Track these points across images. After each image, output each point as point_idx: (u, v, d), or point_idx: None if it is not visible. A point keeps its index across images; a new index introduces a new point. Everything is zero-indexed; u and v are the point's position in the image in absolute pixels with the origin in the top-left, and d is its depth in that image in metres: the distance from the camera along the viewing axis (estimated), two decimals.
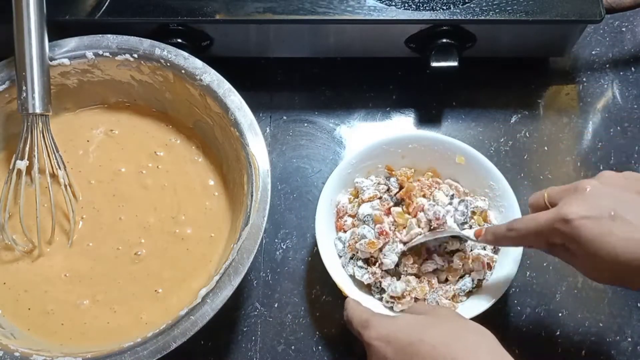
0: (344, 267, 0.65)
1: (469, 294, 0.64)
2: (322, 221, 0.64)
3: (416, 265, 0.63)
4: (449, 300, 0.63)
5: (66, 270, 0.62)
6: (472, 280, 0.63)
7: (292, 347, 0.65)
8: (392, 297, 0.62)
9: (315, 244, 0.68)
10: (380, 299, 0.63)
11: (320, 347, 0.65)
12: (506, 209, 0.66)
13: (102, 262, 0.62)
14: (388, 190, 0.67)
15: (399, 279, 0.63)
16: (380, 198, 0.66)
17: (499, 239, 0.58)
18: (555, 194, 0.54)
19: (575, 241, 0.50)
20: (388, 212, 0.65)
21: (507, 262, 0.63)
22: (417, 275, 0.63)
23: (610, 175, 0.53)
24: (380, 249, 0.63)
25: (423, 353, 0.49)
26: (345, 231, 0.66)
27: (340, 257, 0.65)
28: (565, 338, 0.65)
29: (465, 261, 0.63)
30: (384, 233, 0.63)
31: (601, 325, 0.66)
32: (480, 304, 0.61)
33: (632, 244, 0.48)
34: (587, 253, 0.50)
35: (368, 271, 0.63)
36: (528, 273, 0.68)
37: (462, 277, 0.64)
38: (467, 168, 0.67)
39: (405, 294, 0.61)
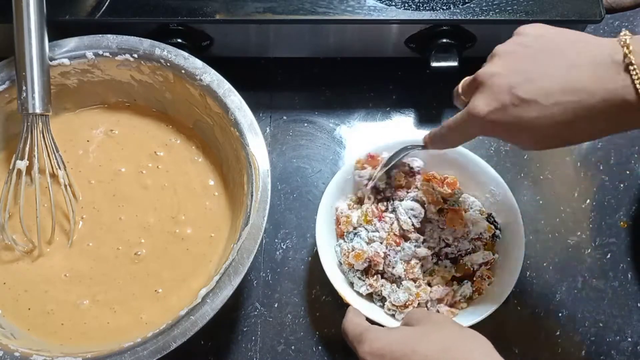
0: (344, 274, 0.64)
1: (469, 300, 0.63)
2: (323, 228, 0.64)
3: (415, 269, 0.63)
4: (449, 307, 0.63)
5: (66, 270, 0.62)
6: (472, 286, 0.63)
7: (292, 347, 0.65)
8: (394, 305, 0.62)
9: (315, 244, 0.68)
10: (382, 307, 0.63)
11: (320, 347, 0.65)
12: (507, 214, 0.65)
13: (102, 262, 0.62)
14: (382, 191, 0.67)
15: (399, 286, 0.63)
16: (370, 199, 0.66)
17: (436, 141, 0.60)
18: (465, 87, 0.56)
19: (495, 133, 0.52)
20: (380, 217, 0.65)
21: (507, 268, 0.63)
22: (414, 280, 0.63)
23: (526, 31, 0.53)
24: (384, 258, 0.63)
25: None
26: (345, 240, 0.66)
27: (341, 264, 0.65)
28: (565, 338, 0.65)
29: (463, 223, 0.64)
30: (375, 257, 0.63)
31: (601, 325, 0.66)
32: (480, 311, 0.61)
33: (546, 123, 0.48)
34: (510, 138, 0.52)
35: (365, 283, 0.63)
36: (528, 273, 0.68)
37: (461, 283, 0.64)
38: (467, 173, 0.67)
39: (407, 304, 0.61)
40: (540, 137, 0.50)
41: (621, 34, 0.47)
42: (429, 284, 0.64)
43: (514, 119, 0.49)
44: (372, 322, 0.58)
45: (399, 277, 0.63)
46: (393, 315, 0.62)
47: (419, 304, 0.62)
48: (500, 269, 0.64)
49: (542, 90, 0.48)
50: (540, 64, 0.50)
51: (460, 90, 0.57)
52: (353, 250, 0.63)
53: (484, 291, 0.63)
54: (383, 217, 0.65)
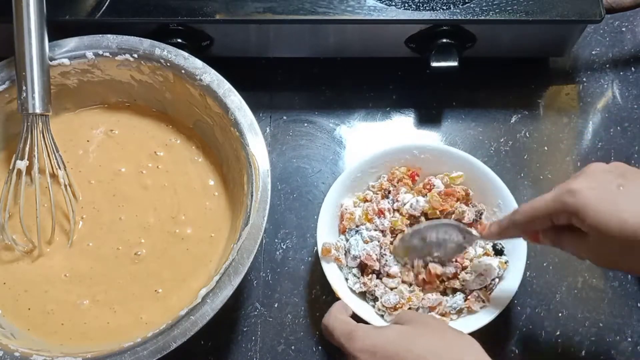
0: (340, 269, 0.64)
1: (458, 313, 0.62)
2: (326, 221, 0.64)
3: (410, 273, 0.63)
4: (439, 316, 0.62)
5: (66, 270, 0.62)
6: (464, 299, 0.63)
7: (292, 347, 0.65)
8: (384, 306, 0.62)
9: (315, 244, 0.68)
10: (373, 306, 0.63)
11: (320, 347, 0.65)
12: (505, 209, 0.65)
13: (102, 262, 0.62)
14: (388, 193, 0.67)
15: (392, 288, 0.63)
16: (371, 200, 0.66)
17: (504, 228, 0.56)
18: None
19: (582, 214, 0.48)
20: (380, 213, 0.65)
21: (509, 276, 0.63)
22: (409, 284, 0.63)
23: (601, 164, 0.52)
24: (379, 259, 0.63)
25: None
26: (346, 236, 0.66)
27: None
28: (565, 338, 0.65)
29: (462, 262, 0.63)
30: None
31: (601, 325, 0.66)
32: (481, 318, 0.61)
33: None
34: (594, 226, 0.48)
35: (359, 280, 0.63)
36: (528, 273, 0.68)
37: (454, 293, 0.63)
38: (476, 184, 0.67)
39: (398, 306, 0.61)
40: (628, 225, 0.47)
41: None
42: (422, 290, 0.63)
43: (611, 199, 0.48)
44: (358, 320, 0.57)
45: (394, 279, 0.63)
46: (382, 316, 0.62)
47: (409, 307, 0.62)
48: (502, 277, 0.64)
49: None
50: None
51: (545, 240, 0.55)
52: (349, 248, 0.63)
53: (474, 312, 0.62)
54: (383, 214, 0.65)
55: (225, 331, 0.65)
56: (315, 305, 0.66)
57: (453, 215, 0.65)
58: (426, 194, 0.66)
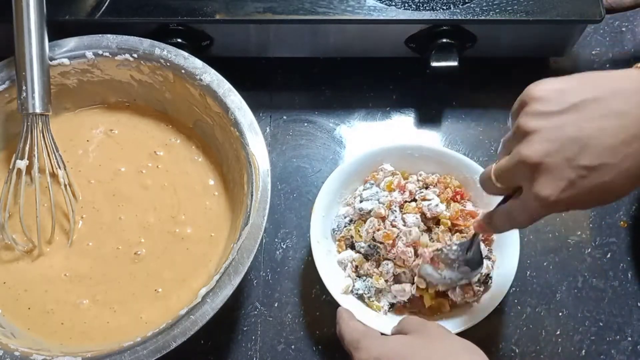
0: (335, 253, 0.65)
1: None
2: (318, 226, 0.65)
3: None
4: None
5: (66, 270, 0.62)
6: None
7: (292, 347, 0.65)
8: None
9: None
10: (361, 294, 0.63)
11: (320, 347, 0.65)
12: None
13: (102, 262, 0.62)
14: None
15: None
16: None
17: (494, 226, 0.54)
18: (504, 174, 0.49)
19: (571, 208, 0.47)
20: (402, 189, 0.65)
21: (500, 278, 0.63)
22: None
23: (537, 96, 0.48)
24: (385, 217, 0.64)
25: None
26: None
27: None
28: (565, 338, 0.65)
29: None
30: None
31: (601, 324, 0.66)
32: (472, 318, 0.61)
33: (621, 181, 0.45)
34: (588, 207, 0.49)
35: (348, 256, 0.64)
36: (528, 273, 0.68)
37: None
38: (474, 185, 0.66)
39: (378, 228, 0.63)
40: (615, 194, 0.46)
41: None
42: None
43: (588, 189, 0.45)
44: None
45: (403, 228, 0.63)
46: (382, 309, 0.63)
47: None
48: (494, 278, 0.63)
49: (603, 152, 0.44)
50: (585, 124, 0.45)
51: (494, 178, 0.50)
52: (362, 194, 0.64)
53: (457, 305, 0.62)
54: (404, 191, 0.65)
55: (225, 331, 0.65)
56: (315, 304, 0.66)
57: (462, 233, 0.64)
58: (450, 203, 0.65)
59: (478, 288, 0.62)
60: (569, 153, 0.45)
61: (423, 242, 0.63)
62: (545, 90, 0.47)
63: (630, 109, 0.44)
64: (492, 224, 0.54)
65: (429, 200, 0.64)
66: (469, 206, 0.66)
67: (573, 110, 0.46)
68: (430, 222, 0.65)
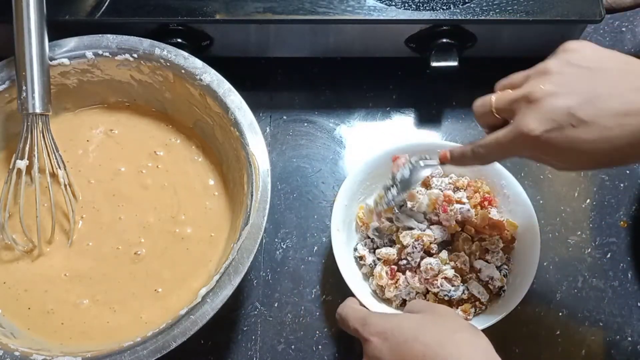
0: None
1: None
2: (339, 215, 0.65)
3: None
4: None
5: (66, 270, 0.62)
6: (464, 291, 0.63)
7: (292, 347, 0.65)
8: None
9: (315, 244, 0.68)
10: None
11: (320, 347, 0.65)
12: (521, 215, 0.65)
13: (102, 262, 0.62)
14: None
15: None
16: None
17: (467, 158, 0.57)
18: (505, 104, 0.52)
19: (545, 155, 0.50)
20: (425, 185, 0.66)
21: (519, 281, 0.63)
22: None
23: (574, 48, 0.52)
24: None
25: (416, 351, 0.48)
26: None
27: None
28: (565, 338, 0.65)
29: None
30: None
31: (601, 325, 0.66)
32: (489, 318, 0.61)
33: (603, 146, 0.47)
34: (559, 160, 0.50)
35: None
36: None
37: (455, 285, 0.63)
38: (478, 170, 0.67)
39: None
40: (591, 159, 0.49)
41: None
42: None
43: (570, 140, 0.48)
44: None
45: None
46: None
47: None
48: (512, 284, 0.63)
49: (602, 112, 0.47)
50: (600, 84, 0.48)
51: (494, 105, 0.53)
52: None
53: (469, 316, 0.62)
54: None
55: (225, 330, 0.65)
56: (315, 304, 0.66)
57: (484, 242, 0.64)
58: (476, 208, 0.65)
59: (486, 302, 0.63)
60: (572, 102, 0.48)
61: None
62: (583, 47, 0.51)
63: None
64: (461, 151, 0.57)
65: (464, 204, 0.64)
66: (494, 213, 0.65)
67: (598, 71, 0.49)
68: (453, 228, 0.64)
